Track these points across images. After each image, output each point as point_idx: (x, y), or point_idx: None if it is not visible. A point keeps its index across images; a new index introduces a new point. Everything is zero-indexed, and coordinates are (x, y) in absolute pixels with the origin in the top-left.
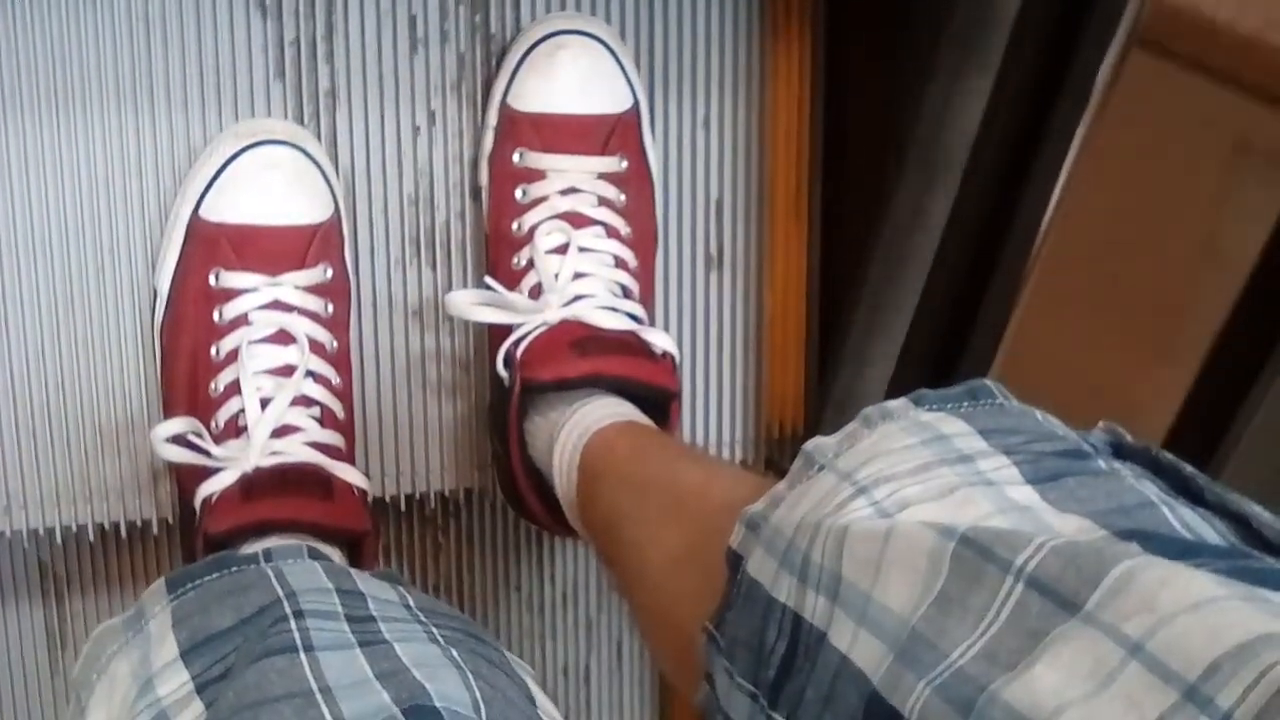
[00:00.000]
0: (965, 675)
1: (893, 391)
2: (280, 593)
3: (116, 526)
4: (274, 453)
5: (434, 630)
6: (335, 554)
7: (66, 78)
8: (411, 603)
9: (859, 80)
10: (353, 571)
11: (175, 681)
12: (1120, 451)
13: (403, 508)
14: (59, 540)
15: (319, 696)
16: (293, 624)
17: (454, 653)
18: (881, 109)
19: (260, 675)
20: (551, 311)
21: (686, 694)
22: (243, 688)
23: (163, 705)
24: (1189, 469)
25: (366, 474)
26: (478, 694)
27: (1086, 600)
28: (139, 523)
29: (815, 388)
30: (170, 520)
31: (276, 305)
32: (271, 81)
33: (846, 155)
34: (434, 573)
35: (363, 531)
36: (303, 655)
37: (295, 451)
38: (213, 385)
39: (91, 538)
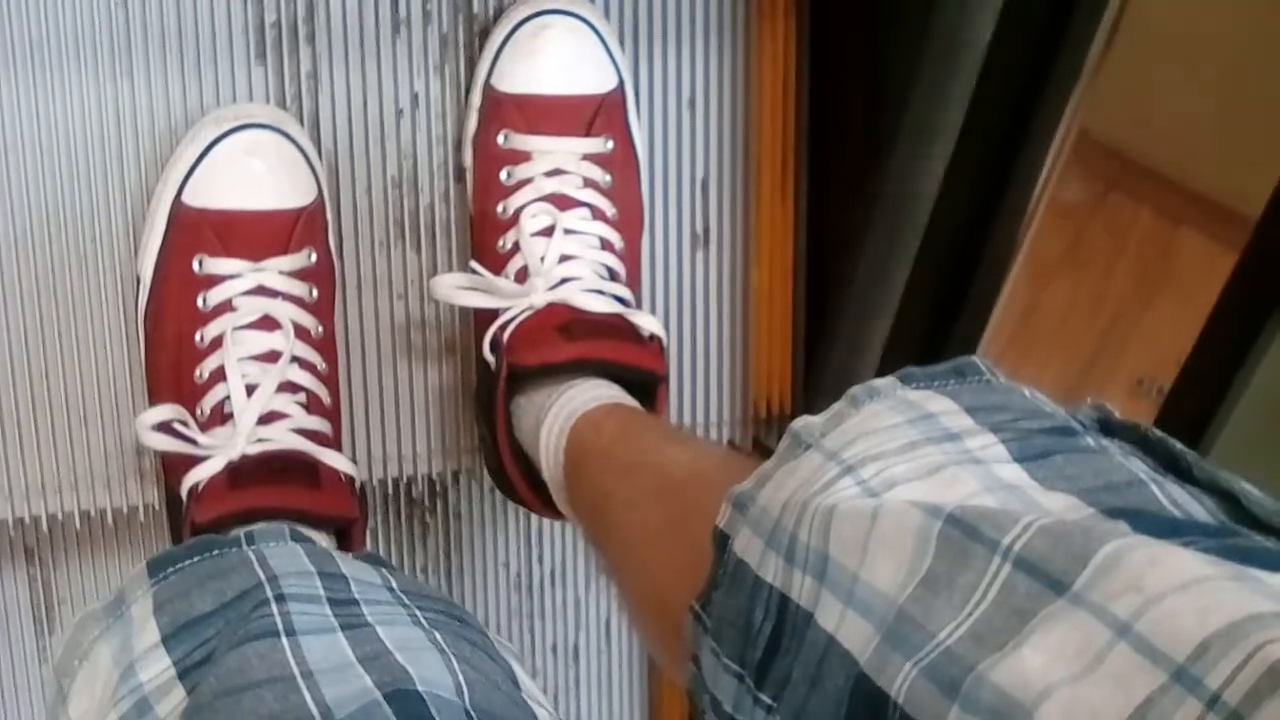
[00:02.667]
0: (953, 655)
1: (882, 370)
2: (262, 576)
3: (103, 513)
4: (260, 440)
5: (417, 613)
6: (322, 538)
7: (45, 62)
8: (394, 585)
9: (846, 57)
10: (335, 554)
11: (157, 667)
12: (1108, 429)
13: (390, 490)
14: (45, 527)
15: (300, 681)
16: (274, 608)
17: (437, 636)
18: (869, 86)
19: (242, 660)
20: (537, 295)
21: (673, 674)
22: (224, 673)
23: (144, 691)
24: (1178, 446)
25: (353, 458)
26: (460, 677)
27: (1074, 580)
28: (125, 509)
29: (803, 367)
30: (156, 506)
31: (261, 291)
32: (253, 65)
33: (834, 133)
34: (422, 554)
35: (351, 518)
36: (284, 639)
37: (282, 438)
38: (197, 372)
39: (78, 524)
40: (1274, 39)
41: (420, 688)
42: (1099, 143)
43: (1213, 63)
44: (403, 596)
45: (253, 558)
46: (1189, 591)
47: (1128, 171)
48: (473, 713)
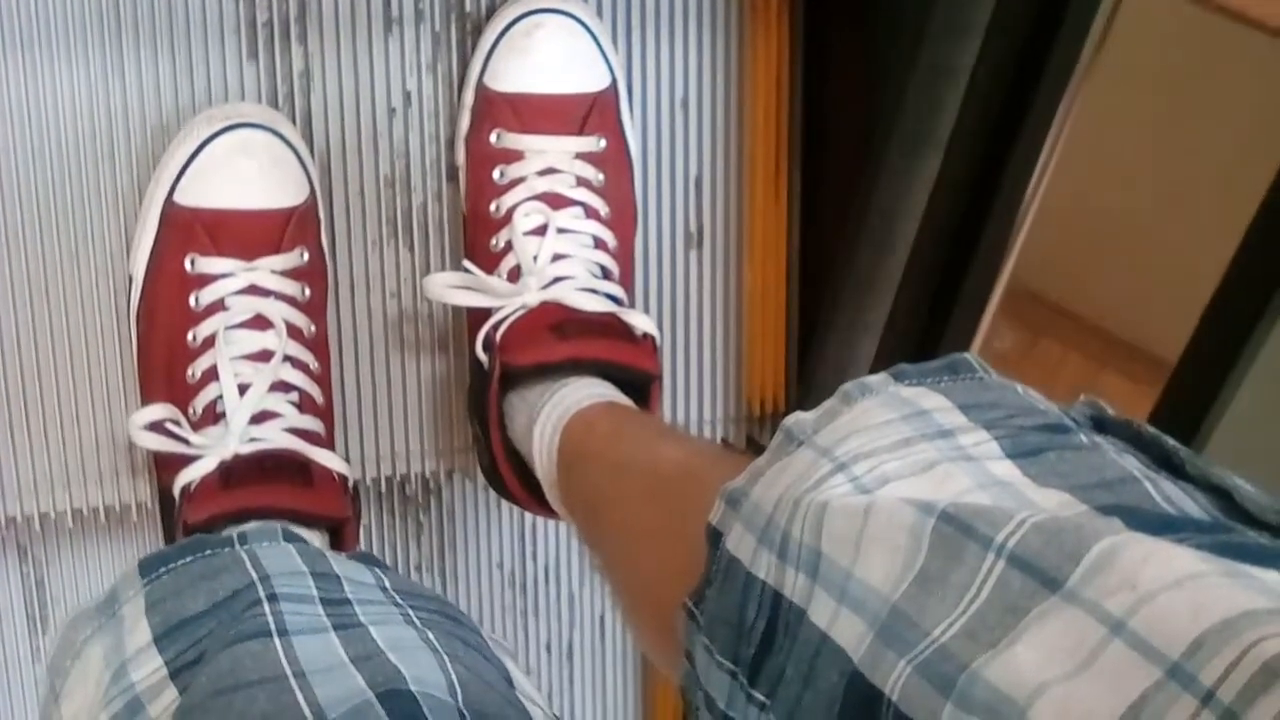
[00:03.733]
0: (947, 653)
1: (875, 367)
2: (254, 576)
3: (95, 511)
4: (253, 439)
5: (410, 612)
6: (315, 538)
7: (35, 59)
8: (388, 584)
9: (839, 56)
10: (328, 553)
11: (149, 667)
12: (1102, 425)
13: (383, 488)
14: (37, 526)
15: (293, 681)
16: (266, 608)
17: (430, 635)
18: (862, 85)
19: (234, 660)
20: (530, 294)
21: (667, 672)
22: (216, 673)
23: (136, 691)
24: (1171, 442)
25: (346, 457)
26: (454, 677)
27: (1068, 577)
28: (117, 507)
29: (796, 365)
30: (149, 504)
31: (253, 290)
32: (245, 64)
33: (827, 131)
34: (415, 552)
35: (343, 518)
36: (276, 639)
37: (274, 438)
38: (190, 371)
39: (70, 523)
40: (1189, 198)
41: (413, 687)
42: (1029, 292)
43: (1133, 221)
44: (396, 596)
45: (245, 557)
46: (1183, 588)
47: (1056, 319)
48: (466, 712)
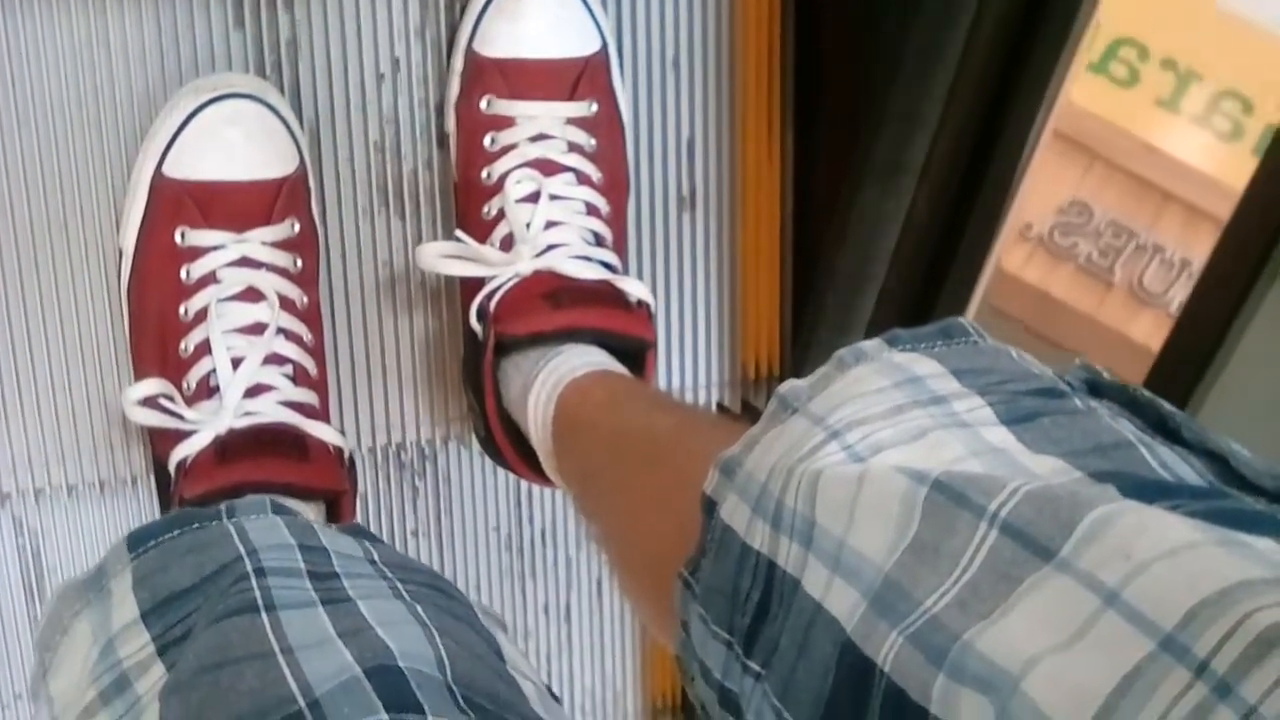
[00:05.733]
0: (939, 623)
1: (871, 329)
2: (241, 550)
3: (90, 485)
4: (247, 413)
5: (399, 586)
6: (311, 511)
7: (18, 29)
8: (376, 557)
9: (832, 10)
10: (316, 526)
11: (136, 643)
12: (1097, 389)
13: (379, 456)
14: (33, 499)
15: (280, 658)
16: (254, 582)
17: (419, 609)
18: (857, 41)
19: (221, 636)
20: (524, 263)
21: (663, 640)
22: (203, 649)
23: (124, 667)
24: (1167, 406)
25: (341, 426)
26: (442, 651)
27: (1061, 547)
28: (113, 480)
29: (790, 327)
30: (144, 478)
31: (244, 262)
32: (231, 32)
33: (821, 91)
34: (412, 517)
35: (339, 490)
36: (264, 615)
37: (269, 411)
38: (182, 345)
39: (65, 496)
40: None
41: (401, 662)
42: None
43: None
44: (385, 569)
45: (232, 531)
46: (1177, 558)
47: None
48: (454, 686)
